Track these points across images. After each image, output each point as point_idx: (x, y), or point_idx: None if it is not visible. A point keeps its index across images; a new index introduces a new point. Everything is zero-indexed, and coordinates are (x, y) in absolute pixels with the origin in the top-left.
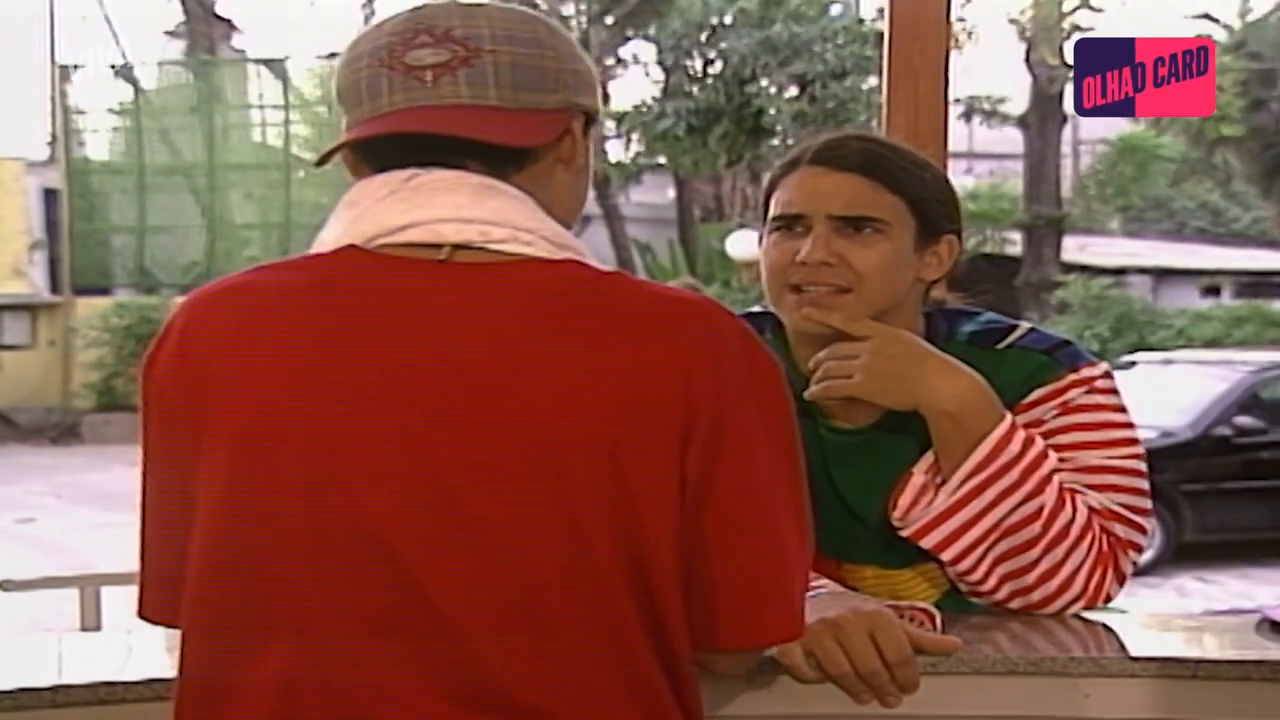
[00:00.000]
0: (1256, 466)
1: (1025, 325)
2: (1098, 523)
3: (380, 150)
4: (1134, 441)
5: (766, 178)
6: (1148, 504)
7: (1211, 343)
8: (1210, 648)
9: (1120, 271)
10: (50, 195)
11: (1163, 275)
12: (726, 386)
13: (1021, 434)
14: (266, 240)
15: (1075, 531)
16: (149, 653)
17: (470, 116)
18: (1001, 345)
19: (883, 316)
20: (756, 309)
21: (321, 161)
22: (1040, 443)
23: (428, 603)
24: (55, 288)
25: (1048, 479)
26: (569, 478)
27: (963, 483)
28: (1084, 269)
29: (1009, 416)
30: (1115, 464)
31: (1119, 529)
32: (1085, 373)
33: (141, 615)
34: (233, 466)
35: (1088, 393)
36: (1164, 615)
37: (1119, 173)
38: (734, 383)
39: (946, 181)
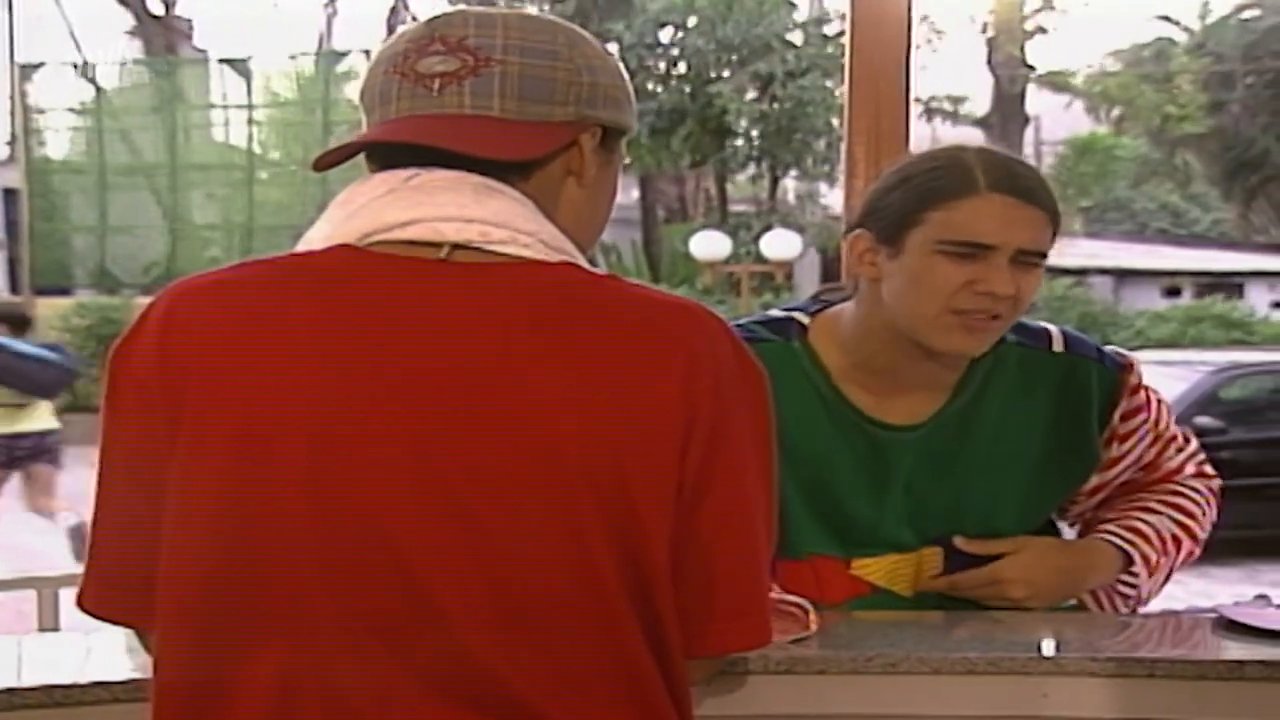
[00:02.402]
0: (1216, 466)
1: (1052, 326)
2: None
3: (383, 155)
4: (1167, 410)
5: (914, 190)
6: (1194, 440)
7: (1171, 343)
8: (1168, 647)
9: (1082, 272)
10: (10, 195)
11: (1124, 276)
12: (723, 392)
13: (1140, 548)
14: (229, 241)
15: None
16: (107, 654)
17: (469, 127)
18: (1056, 349)
19: None
20: (778, 314)
21: (322, 165)
22: (1153, 522)
23: (430, 603)
24: (15, 288)
25: (1174, 539)
26: (570, 480)
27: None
28: (1046, 270)
29: (1127, 551)
30: (1174, 451)
31: (1202, 480)
32: (1131, 380)
33: (82, 607)
34: (230, 465)
35: (1132, 394)
36: (1123, 614)
37: (1080, 174)
38: (729, 388)
39: None
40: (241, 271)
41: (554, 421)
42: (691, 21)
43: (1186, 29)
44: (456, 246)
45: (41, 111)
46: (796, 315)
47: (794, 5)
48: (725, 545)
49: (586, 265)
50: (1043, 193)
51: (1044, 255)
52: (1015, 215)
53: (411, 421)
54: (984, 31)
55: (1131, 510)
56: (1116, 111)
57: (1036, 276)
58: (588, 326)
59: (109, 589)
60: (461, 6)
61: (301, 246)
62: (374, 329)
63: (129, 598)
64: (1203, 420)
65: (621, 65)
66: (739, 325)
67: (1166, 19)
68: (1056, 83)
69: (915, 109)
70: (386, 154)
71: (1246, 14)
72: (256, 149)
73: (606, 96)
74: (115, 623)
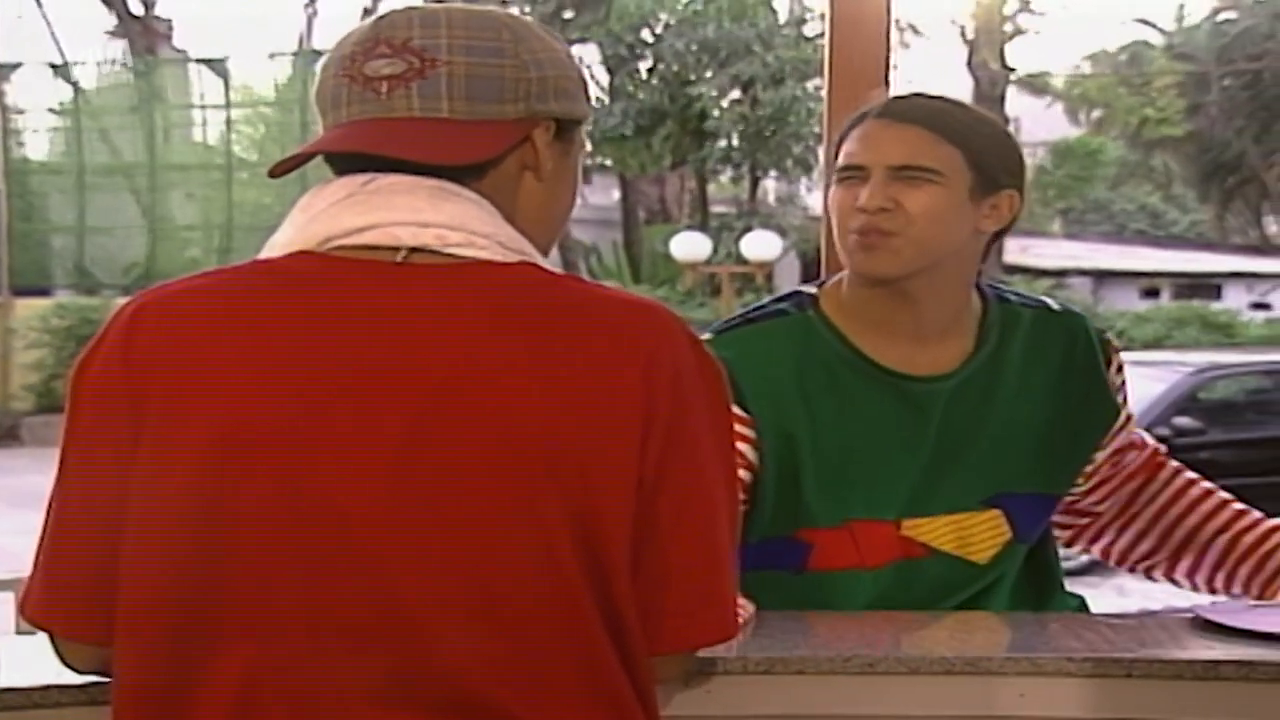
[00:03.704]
0: (1194, 467)
1: (1029, 294)
2: None
3: (341, 158)
4: None
5: (837, 134)
6: None
7: (1151, 344)
8: (1145, 647)
9: (1061, 273)
10: None
11: (1103, 277)
12: (682, 388)
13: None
14: (208, 241)
15: None
16: None
17: (419, 131)
18: (1056, 309)
19: (940, 264)
20: (787, 292)
21: (279, 172)
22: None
23: (399, 604)
24: None
25: None
26: (536, 476)
27: None
28: (1026, 271)
29: None
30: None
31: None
32: (1111, 339)
33: (26, 615)
34: (199, 469)
35: (1116, 351)
36: (1100, 614)
37: (1060, 175)
38: (688, 384)
39: (1009, 139)
40: (204, 280)
41: (518, 419)
42: (671, 22)
43: (1163, 31)
44: (414, 250)
45: (20, 112)
46: (804, 289)
47: (774, 10)
48: (681, 540)
49: (545, 264)
50: (924, 113)
51: (924, 169)
52: (884, 134)
53: (379, 423)
54: (964, 33)
55: (1236, 515)
56: (1095, 114)
57: (929, 193)
58: (548, 325)
59: (57, 596)
60: (407, 5)
61: (265, 252)
62: (336, 332)
63: (78, 609)
64: (1181, 421)
65: (571, 53)
66: (756, 307)
67: (1144, 22)
68: (1036, 85)
69: None
70: (344, 158)
71: (1222, 16)
72: (236, 149)
73: (557, 89)
74: (58, 633)
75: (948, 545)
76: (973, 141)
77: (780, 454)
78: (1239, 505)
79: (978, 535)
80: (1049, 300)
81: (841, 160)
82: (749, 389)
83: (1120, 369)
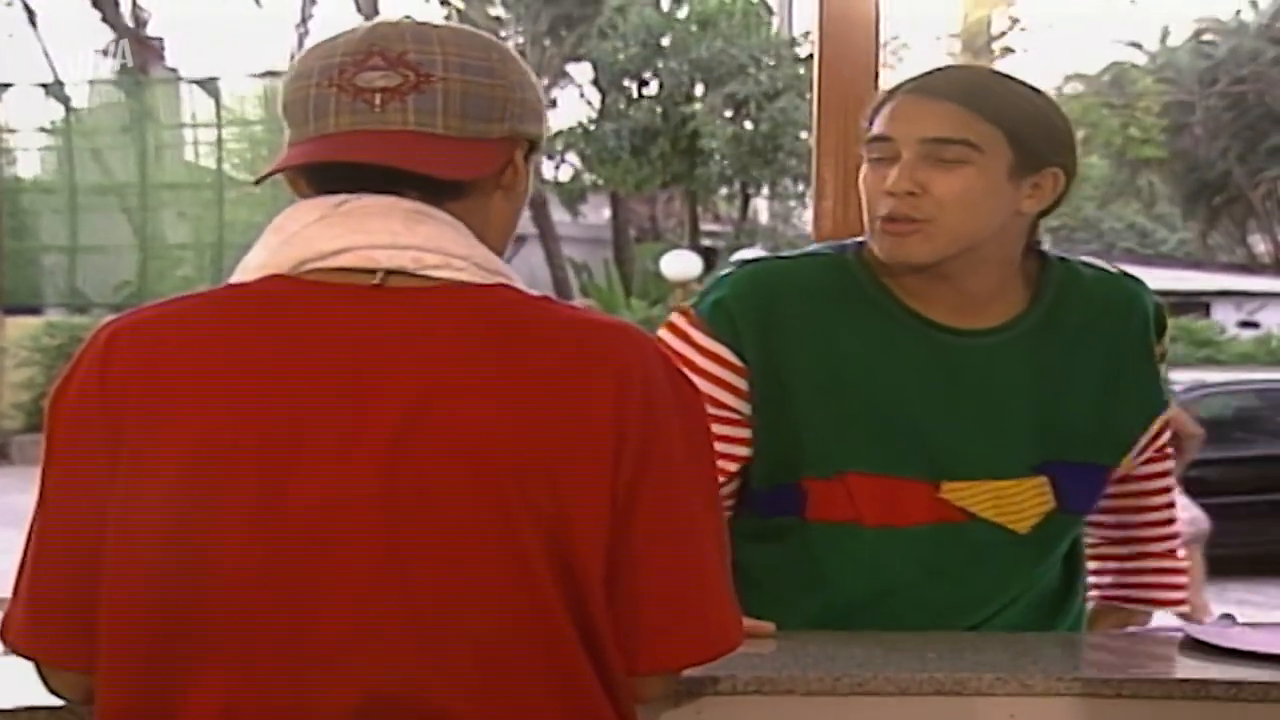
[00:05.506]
0: (1183, 485)
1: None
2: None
3: (321, 172)
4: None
5: (868, 109)
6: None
7: None
8: (1134, 667)
9: None
10: None
11: None
12: (654, 406)
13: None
14: (200, 260)
15: None
16: None
17: (414, 145)
18: (1120, 275)
19: (977, 247)
20: (834, 243)
21: (260, 180)
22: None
23: (377, 623)
24: None
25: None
26: (509, 498)
27: None
28: None
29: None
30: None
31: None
32: (1165, 315)
33: (13, 645)
34: (176, 491)
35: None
36: (1088, 634)
37: None
38: (660, 402)
39: (1054, 113)
40: (178, 305)
41: (491, 438)
42: (665, 42)
43: (1148, 53)
44: (390, 273)
45: (12, 131)
46: (860, 237)
47: (769, 25)
48: (655, 560)
49: (521, 286)
50: (960, 87)
51: (956, 143)
52: (915, 109)
53: (355, 441)
54: (951, 53)
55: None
56: (1080, 134)
57: (962, 176)
58: (523, 345)
59: (41, 623)
60: (396, 18)
61: (238, 274)
62: (312, 354)
63: (62, 637)
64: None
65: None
66: (806, 249)
67: (1131, 44)
68: None
69: None
70: (326, 172)
71: (1206, 38)
72: (227, 168)
73: (533, 111)
74: (43, 662)
75: (987, 511)
76: (1012, 118)
77: (775, 398)
78: (1171, 523)
79: (1018, 502)
80: (1111, 268)
81: (870, 134)
82: (745, 334)
83: (1163, 357)
